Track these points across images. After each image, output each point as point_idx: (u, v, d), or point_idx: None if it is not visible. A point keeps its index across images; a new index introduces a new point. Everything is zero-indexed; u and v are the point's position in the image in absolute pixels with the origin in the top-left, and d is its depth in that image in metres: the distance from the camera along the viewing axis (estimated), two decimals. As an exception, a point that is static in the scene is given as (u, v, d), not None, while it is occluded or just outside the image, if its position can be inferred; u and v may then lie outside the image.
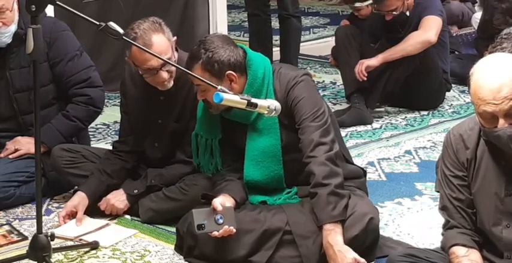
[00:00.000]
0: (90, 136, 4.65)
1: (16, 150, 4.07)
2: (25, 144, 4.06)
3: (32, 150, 3.70)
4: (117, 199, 3.86)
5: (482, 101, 2.60)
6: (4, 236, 3.71)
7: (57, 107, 4.19)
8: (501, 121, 2.62)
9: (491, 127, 2.65)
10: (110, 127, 5.26)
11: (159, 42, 3.63)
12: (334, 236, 3.22)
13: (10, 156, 4.06)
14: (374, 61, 5.20)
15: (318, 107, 3.41)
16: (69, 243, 3.65)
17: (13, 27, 3.97)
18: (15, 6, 3.96)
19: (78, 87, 4.14)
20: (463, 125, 2.88)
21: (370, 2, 5.44)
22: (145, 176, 3.87)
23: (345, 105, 5.58)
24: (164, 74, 3.69)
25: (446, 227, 2.88)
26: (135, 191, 3.85)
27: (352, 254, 3.17)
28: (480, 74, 2.63)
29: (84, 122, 4.19)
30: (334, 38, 5.63)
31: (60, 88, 4.16)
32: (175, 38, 3.75)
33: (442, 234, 2.92)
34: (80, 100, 4.14)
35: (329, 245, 3.22)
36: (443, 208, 2.89)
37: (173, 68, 3.69)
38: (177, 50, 3.80)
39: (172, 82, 3.75)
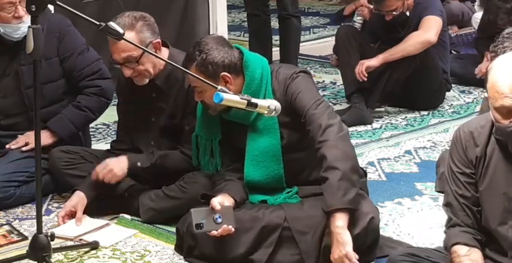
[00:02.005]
0: (91, 136, 4.64)
1: (27, 144, 4.06)
2: None
3: (45, 142, 3.77)
4: (118, 165, 3.79)
5: (500, 94, 2.61)
6: (4, 236, 3.71)
7: (67, 102, 4.20)
8: None
9: (507, 122, 2.65)
10: (110, 127, 5.25)
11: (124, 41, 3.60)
12: (341, 222, 3.14)
13: (23, 148, 4.05)
14: (374, 61, 5.20)
15: (318, 97, 3.41)
16: (69, 243, 3.65)
17: None
18: None
19: (89, 79, 4.17)
20: (473, 122, 2.88)
21: None
22: (152, 152, 3.84)
23: (345, 105, 5.58)
24: (126, 71, 3.72)
25: (449, 224, 2.88)
26: (138, 163, 3.81)
27: (347, 248, 3.12)
28: (498, 69, 2.65)
29: (94, 113, 4.22)
30: (334, 38, 5.63)
31: (70, 83, 4.18)
32: (158, 40, 3.73)
33: (445, 232, 2.91)
34: (91, 91, 4.17)
35: (333, 231, 3.16)
36: (447, 205, 2.89)
37: (141, 68, 3.70)
38: (167, 47, 3.81)
39: (146, 80, 3.76)
